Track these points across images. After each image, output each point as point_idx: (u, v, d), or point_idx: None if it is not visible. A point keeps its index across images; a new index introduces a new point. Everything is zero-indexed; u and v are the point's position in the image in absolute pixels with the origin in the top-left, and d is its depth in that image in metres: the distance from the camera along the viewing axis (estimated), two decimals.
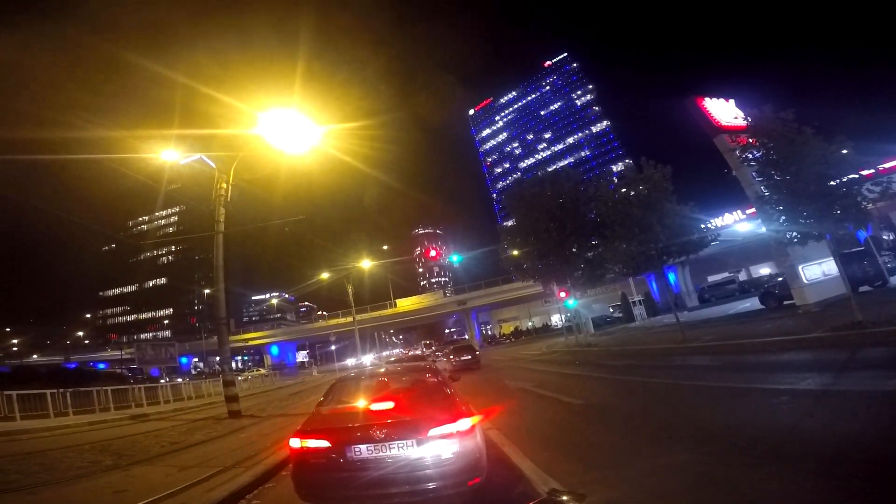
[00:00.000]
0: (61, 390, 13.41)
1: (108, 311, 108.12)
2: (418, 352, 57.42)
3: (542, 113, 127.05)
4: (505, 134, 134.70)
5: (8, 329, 69.48)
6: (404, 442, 3.33)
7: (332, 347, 62.23)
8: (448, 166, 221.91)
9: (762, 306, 18.97)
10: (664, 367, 10.39)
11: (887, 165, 17.60)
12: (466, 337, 56.49)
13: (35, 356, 61.85)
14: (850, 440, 3.67)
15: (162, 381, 24.05)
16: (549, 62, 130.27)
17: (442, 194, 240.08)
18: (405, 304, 55.06)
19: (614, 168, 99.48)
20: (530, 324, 63.02)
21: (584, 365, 14.07)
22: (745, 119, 11.31)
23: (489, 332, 68.07)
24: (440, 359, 29.25)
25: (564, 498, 1.44)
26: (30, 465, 6.29)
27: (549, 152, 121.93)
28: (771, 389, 5.95)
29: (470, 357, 20.93)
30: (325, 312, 66.01)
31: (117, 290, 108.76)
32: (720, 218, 33.32)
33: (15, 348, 64.71)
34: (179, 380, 27.82)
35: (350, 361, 48.07)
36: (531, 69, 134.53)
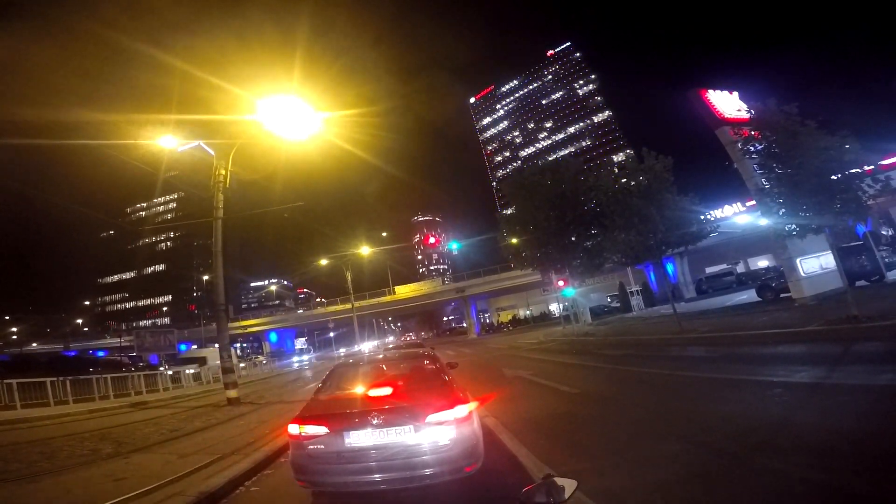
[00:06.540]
0: (61, 378, 13.42)
1: (107, 299, 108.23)
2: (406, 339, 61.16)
3: (544, 102, 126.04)
4: (506, 122, 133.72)
5: (7, 317, 69.49)
6: (402, 428, 3.37)
7: (331, 334, 62.51)
8: (448, 154, 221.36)
9: (759, 299, 19.07)
10: (660, 358, 10.47)
11: (889, 161, 17.48)
12: (465, 325, 56.87)
13: (34, 344, 61.74)
14: (843, 433, 3.72)
15: (161, 368, 24.15)
16: (552, 51, 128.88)
17: (442, 182, 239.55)
18: (404, 291, 55.03)
19: (615, 158, 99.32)
20: (528, 312, 63.15)
21: (581, 354, 14.15)
22: (749, 112, 11.24)
23: (487, 321, 68.27)
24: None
25: (558, 484, 1.45)
26: (30, 454, 6.30)
27: (549, 141, 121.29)
28: (765, 381, 6.01)
29: (418, 342, 35.65)
30: (323, 299, 65.98)
31: (116, 277, 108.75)
32: (720, 209, 33.34)
33: (14, 336, 64.66)
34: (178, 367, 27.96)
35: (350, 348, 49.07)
36: (534, 58, 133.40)
